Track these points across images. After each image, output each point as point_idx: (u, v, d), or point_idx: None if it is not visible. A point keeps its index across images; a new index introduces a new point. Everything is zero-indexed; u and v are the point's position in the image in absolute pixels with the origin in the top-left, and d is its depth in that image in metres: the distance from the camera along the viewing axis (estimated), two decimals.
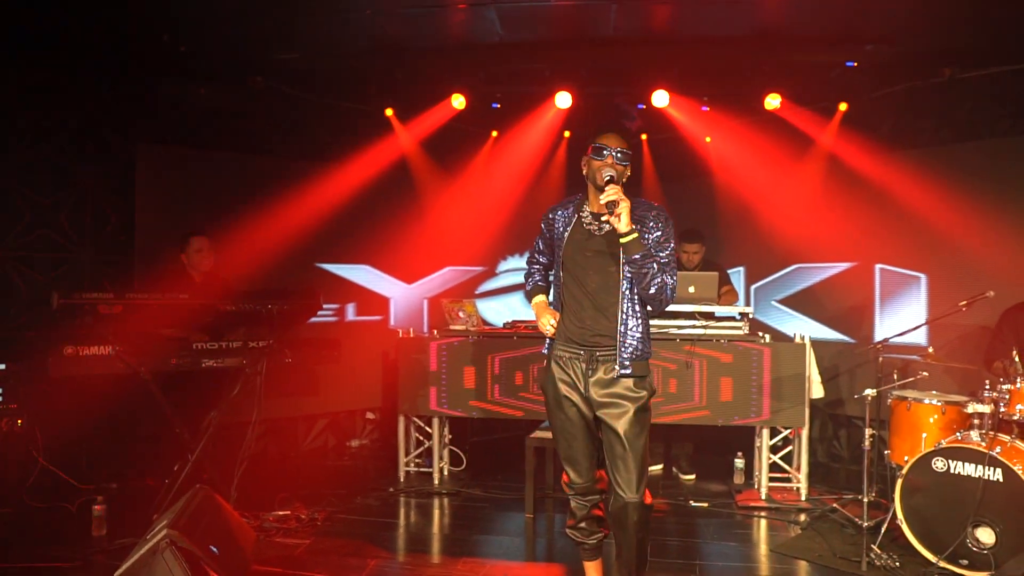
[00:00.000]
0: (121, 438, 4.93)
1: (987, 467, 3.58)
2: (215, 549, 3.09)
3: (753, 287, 6.57)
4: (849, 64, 5.14)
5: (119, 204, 5.19)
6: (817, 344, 5.08)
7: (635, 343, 2.95)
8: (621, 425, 2.92)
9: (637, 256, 2.86)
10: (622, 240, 2.86)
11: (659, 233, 2.96)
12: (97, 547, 3.87)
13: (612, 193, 2.82)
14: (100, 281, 4.98)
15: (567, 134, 6.83)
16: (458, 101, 5.89)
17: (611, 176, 2.88)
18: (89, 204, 5.06)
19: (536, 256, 3.33)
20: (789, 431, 4.99)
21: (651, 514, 3.07)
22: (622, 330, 2.94)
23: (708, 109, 6.12)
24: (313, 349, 4.56)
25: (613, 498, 2.95)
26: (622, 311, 2.95)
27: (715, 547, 4.14)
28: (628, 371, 2.94)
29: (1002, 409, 3.84)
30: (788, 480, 5.02)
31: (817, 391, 4.99)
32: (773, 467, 4.99)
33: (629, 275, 2.92)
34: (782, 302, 6.36)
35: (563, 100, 5.75)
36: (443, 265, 6.76)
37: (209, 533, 3.15)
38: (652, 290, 2.90)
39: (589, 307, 2.99)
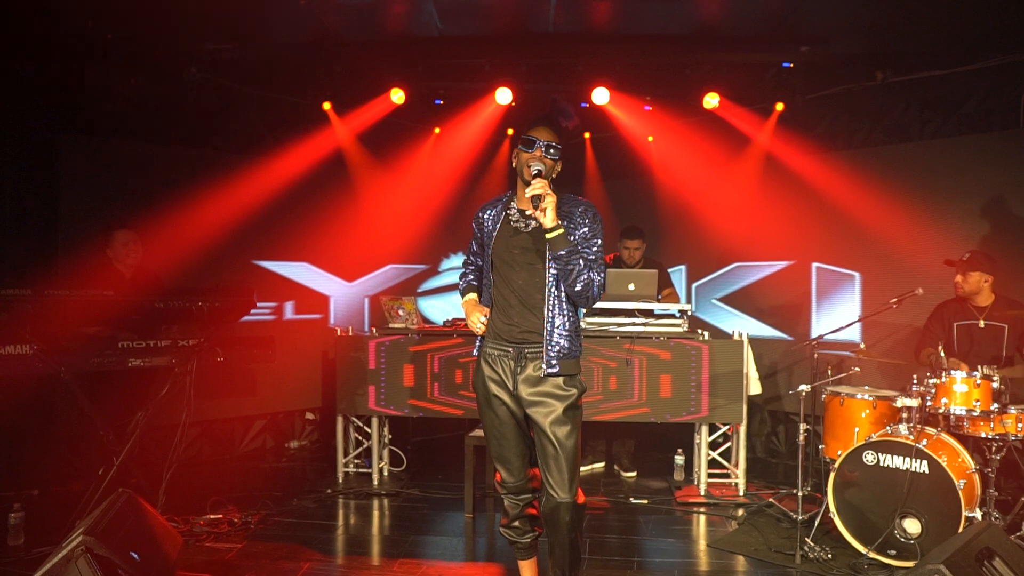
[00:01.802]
0: (43, 442, 4.72)
1: (914, 459, 3.67)
2: (135, 555, 2.97)
3: (694, 285, 6.64)
4: (785, 65, 5.23)
5: (42, 197, 4.96)
6: (756, 341, 5.15)
7: (562, 341, 2.91)
8: (550, 424, 2.88)
9: (563, 252, 2.82)
10: (547, 236, 2.81)
11: (586, 229, 2.92)
12: (12, 557, 3.69)
13: (538, 187, 2.77)
14: (20, 276, 4.76)
15: (510, 131, 6.81)
16: (397, 96, 5.81)
17: (539, 170, 2.83)
18: (9, 196, 4.83)
19: (471, 256, 3.28)
20: (728, 427, 5.05)
21: (584, 513, 3.05)
22: (548, 328, 2.90)
23: (651, 108, 6.17)
24: (245, 348, 4.44)
25: (545, 498, 2.92)
26: (548, 309, 2.91)
27: (654, 543, 4.15)
28: (555, 370, 2.90)
29: (928, 403, 3.95)
30: (727, 476, 5.07)
31: (755, 388, 5.05)
32: (712, 463, 5.05)
33: (555, 272, 2.88)
34: (722, 300, 6.44)
35: (503, 96, 5.72)
36: (385, 263, 6.67)
37: (130, 539, 3.02)
38: (578, 287, 2.85)
39: (517, 304, 2.95)
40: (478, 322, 3.03)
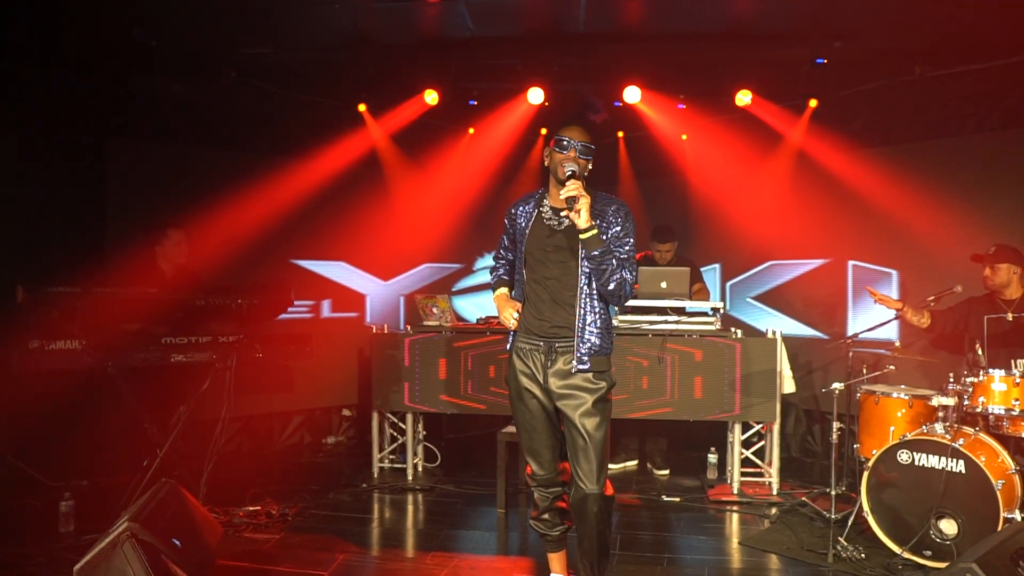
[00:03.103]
0: (91, 434, 4.88)
1: (950, 459, 3.62)
2: (178, 542, 3.08)
3: (728, 284, 6.61)
4: (819, 61, 5.18)
5: (90, 199, 5.14)
6: (792, 340, 5.10)
7: (593, 338, 2.95)
8: (580, 417, 2.93)
9: (596, 252, 2.86)
10: (581, 236, 2.85)
11: (619, 228, 2.95)
12: (62, 543, 3.84)
13: (572, 189, 2.81)
14: (70, 275, 4.93)
15: (543, 131, 6.84)
16: (431, 96, 5.88)
17: (572, 171, 2.87)
18: (60, 198, 5.00)
19: (502, 252, 3.34)
20: (761, 426, 5.02)
21: (612, 506, 3.08)
22: (580, 325, 2.95)
23: (684, 107, 6.15)
24: (282, 344, 4.56)
25: (574, 489, 2.97)
26: (580, 306, 2.96)
27: (685, 540, 4.15)
28: (586, 366, 2.94)
29: (966, 402, 3.88)
30: (761, 475, 5.04)
31: (789, 386, 5.02)
32: (746, 462, 5.02)
33: (587, 270, 2.93)
34: (757, 299, 6.40)
35: (535, 96, 5.76)
36: (420, 262, 6.76)
37: (172, 527, 3.13)
38: (611, 286, 2.90)
39: (548, 301, 3.00)
40: (511, 317, 3.09)
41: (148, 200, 5.26)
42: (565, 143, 2.94)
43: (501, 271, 3.32)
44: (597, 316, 2.97)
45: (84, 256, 5.04)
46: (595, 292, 2.96)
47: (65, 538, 3.92)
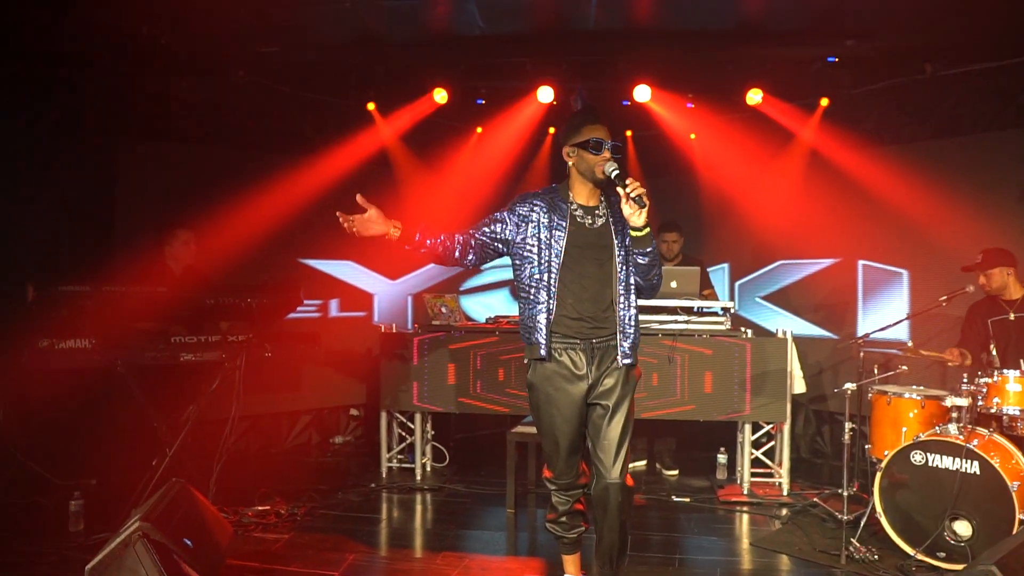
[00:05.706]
0: (101, 433, 4.88)
1: (964, 460, 3.59)
2: (189, 542, 3.06)
3: (737, 283, 6.58)
4: (830, 59, 5.15)
5: (100, 197, 5.14)
6: (802, 340, 5.07)
7: (632, 332, 3.01)
8: (615, 408, 2.96)
9: (649, 249, 2.93)
10: (638, 234, 2.89)
11: None
12: (73, 542, 3.83)
13: (640, 188, 2.81)
14: (79, 274, 4.92)
15: (552, 130, 6.82)
16: (440, 95, 5.87)
17: (617, 170, 2.86)
18: (68, 197, 5.00)
19: (479, 234, 3.07)
20: (771, 426, 5.00)
21: (633, 498, 3.09)
22: (622, 321, 2.99)
23: (693, 106, 6.13)
24: (291, 343, 4.54)
25: (596, 481, 2.97)
26: (619, 302, 2.99)
27: (695, 541, 4.13)
28: (630, 360, 3.00)
29: (980, 403, 3.85)
30: (771, 475, 5.02)
31: (799, 386, 4.99)
32: (756, 462, 4.99)
33: (623, 266, 2.97)
34: (766, 298, 6.37)
35: (545, 95, 5.74)
36: (428, 261, 6.66)
37: (183, 526, 3.12)
38: (655, 280, 3.02)
39: (587, 300, 2.98)
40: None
41: (157, 199, 5.26)
42: (601, 144, 2.90)
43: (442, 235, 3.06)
44: (634, 311, 3.03)
45: (94, 255, 5.04)
46: (632, 287, 3.02)
47: (75, 537, 3.91)
